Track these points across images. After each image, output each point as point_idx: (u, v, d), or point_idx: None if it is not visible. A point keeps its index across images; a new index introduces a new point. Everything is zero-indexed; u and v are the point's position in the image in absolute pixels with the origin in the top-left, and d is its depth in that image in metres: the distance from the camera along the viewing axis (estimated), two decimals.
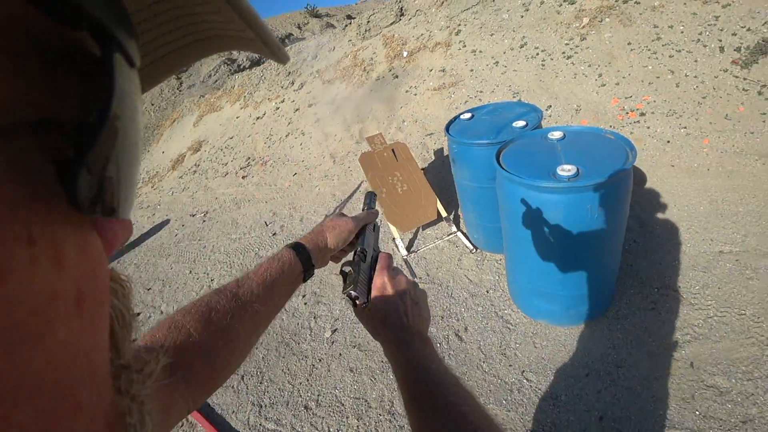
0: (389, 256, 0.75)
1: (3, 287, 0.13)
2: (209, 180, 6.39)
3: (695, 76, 3.90)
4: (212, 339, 0.56)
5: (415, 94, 5.45)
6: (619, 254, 2.21)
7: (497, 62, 5.10)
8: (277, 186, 5.34)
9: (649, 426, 1.86)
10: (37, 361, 0.14)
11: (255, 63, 12.17)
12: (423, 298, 0.73)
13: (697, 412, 1.87)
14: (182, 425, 2.45)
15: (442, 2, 6.86)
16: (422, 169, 4.29)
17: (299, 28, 13.26)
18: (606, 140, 2.05)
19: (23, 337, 0.14)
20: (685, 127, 3.62)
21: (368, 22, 7.81)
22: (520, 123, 2.49)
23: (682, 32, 4.23)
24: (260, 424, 2.31)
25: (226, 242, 4.38)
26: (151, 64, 0.26)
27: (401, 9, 7.75)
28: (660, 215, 3.03)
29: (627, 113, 3.91)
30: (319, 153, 5.55)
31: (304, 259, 0.70)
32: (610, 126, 3.87)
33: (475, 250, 3.07)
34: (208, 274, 3.90)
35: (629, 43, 4.42)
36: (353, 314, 2.79)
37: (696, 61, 3.99)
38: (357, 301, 0.69)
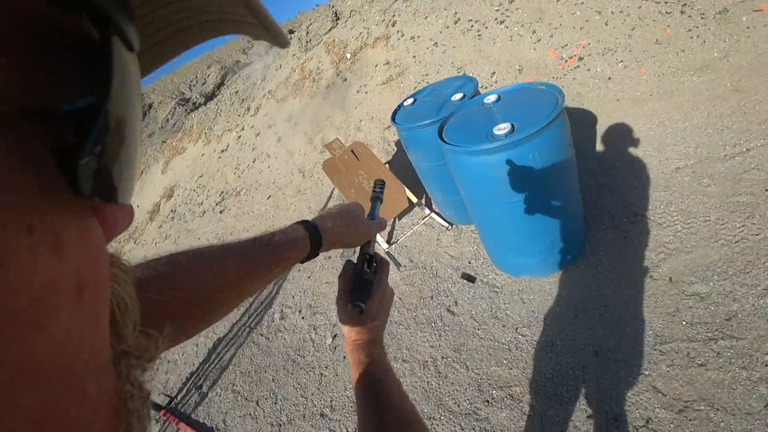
0: (389, 264, 0.80)
1: (3, 275, 0.13)
2: (188, 222, 6.39)
3: (621, 11, 4.01)
4: (200, 269, 0.56)
5: (366, 93, 5.51)
6: (578, 193, 2.29)
7: (436, 43, 5.18)
8: (254, 213, 5.37)
9: (641, 347, 1.94)
10: (40, 349, 0.14)
11: (209, 98, 12.16)
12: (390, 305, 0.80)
13: (684, 322, 1.96)
14: None
15: None
16: (386, 162, 4.36)
17: (245, 53, 13.26)
18: (537, 92, 2.13)
19: (26, 324, 0.14)
20: (622, 61, 3.73)
21: (308, 33, 7.86)
22: (458, 96, 2.56)
23: None
24: None
25: None
26: (150, 48, 0.25)
27: (336, 13, 7.81)
28: (616, 150, 3.12)
29: (566, 61, 4.01)
30: (288, 171, 5.59)
31: (313, 237, 0.70)
32: (553, 77, 3.97)
33: (450, 227, 3.14)
34: None
35: None
36: None
37: None
38: (361, 311, 0.73)
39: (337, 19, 7.77)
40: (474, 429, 1.97)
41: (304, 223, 0.71)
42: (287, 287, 3.59)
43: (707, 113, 2.98)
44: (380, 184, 0.87)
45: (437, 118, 2.40)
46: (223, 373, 3.08)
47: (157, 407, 2.99)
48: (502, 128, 1.85)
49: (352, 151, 3.64)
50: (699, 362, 1.78)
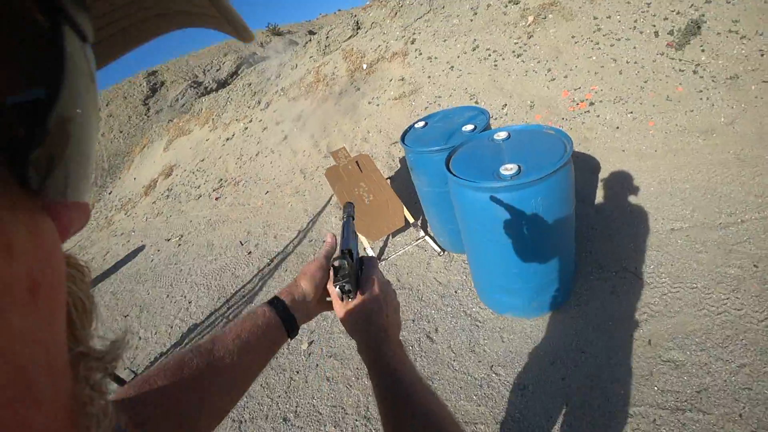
0: (377, 259, 0.77)
1: None
2: (182, 204, 6.36)
3: (635, 62, 4.08)
4: (183, 395, 0.54)
5: (378, 105, 5.54)
6: (572, 242, 2.31)
7: (452, 67, 5.23)
8: (250, 205, 5.35)
9: (610, 406, 1.94)
10: None
11: (221, 85, 12.17)
12: (398, 307, 0.76)
13: (656, 388, 1.97)
14: None
15: (396, 13, 7.01)
16: (389, 178, 4.37)
17: (262, 46, 13.30)
18: (546, 136, 2.15)
19: None
20: (632, 112, 3.78)
21: (327, 37, 7.91)
22: (469, 127, 2.59)
23: (619, 21, 4.43)
24: None
25: (202, 264, 4.38)
26: (107, 38, 0.24)
27: (357, 23, 7.87)
28: (614, 200, 3.16)
29: (577, 104, 4.06)
30: (289, 170, 5.59)
31: (280, 311, 0.67)
32: (563, 118, 4.02)
33: (442, 253, 3.15)
34: (185, 296, 3.89)
35: (573, 37, 4.60)
36: (329, 325, 2.84)
37: (635, 47, 4.18)
38: (349, 295, 0.69)
39: (358, 28, 7.83)
40: None
41: (271, 302, 0.69)
42: (271, 285, 3.58)
43: (708, 178, 3.02)
44: (349, 208, 0.85)
45: (446, 146, 2.42)
46: None
47: (120, 381, 2.94)
48: (509, 168, 1.87)
49: (356, 162, 3.65)
50: (663, 431, 1.78)
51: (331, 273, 0.70)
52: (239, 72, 12.42)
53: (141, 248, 5.49)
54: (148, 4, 0.24)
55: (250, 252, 4.25)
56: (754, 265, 2.32)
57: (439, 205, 2.81)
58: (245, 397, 2.58)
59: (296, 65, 8.36)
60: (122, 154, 11.24)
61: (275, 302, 0.68)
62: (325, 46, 7.79)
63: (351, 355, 2.59)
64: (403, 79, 5.59)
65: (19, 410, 0.15)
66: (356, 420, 2.22)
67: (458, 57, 5.29)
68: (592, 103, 4.01)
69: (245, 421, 2.44)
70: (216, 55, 14.71)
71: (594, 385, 2.04)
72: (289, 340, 0.70)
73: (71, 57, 0.16)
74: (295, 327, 0.69)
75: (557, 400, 2.01)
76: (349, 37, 7.64)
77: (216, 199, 6.00)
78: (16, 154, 0.15)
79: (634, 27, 4.30)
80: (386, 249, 3.48)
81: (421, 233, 3.36)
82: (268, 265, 3.92)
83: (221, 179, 6.45)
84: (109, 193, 9.20)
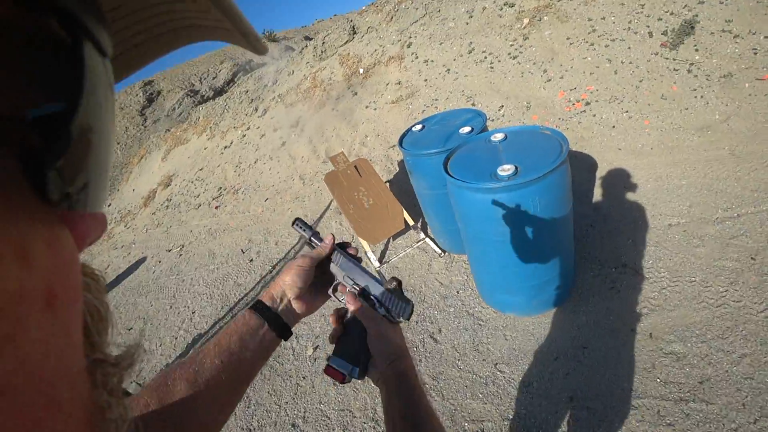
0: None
1: None
2: (182, 213, 6.37)
3: (630, 62, 4.13)
4: (170, 410, 0.55)
5: (375, 109, 5.58)
6: (571, 240, 2.34)
7: (449, 70, 5.28)
8: (250, 213, 5.37)
9: (615, 400, 1.97)
10: (8, 361, 0.14)
11: (218, 92, 12.22)
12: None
13: (658, 380, 1.99)
14: None
15: (392, 17, 7.07)
16: (388, 181, 4.40)
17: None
18: (543, 136, 2.19)
19: None
20: (627, 111, 3.83)
21: (323, 43, 7.97)
22: (466, 129, 2.62)
23: (613, 22, 4.49)
24: None
25: (204, 273, 4.39)
26: (124, 52, 0.25)
27: (353, 27, 7.93)
28: (612, 198, 3.19)
29: (573, 104, 4.11)
30: (288, 176, 5.62)
31: (262, 312, 0.69)
32: (560, 119, 4.07)
33: (443, 254, 3.18)
34: (188, 307, 3.90)
35: (568, 38, 4.66)
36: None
37: (629, 48, 4.24)
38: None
39: (354, 33, 7.89)
40: None
41: (253, 305, 0.71)
42: None
43: (704, 174, 3.07)
44: (300, 224, 0.82)
45: (444, 148, 2.46)
46: None
47: (126, 394, 2.95)
48: (506, 169, 1.90)
49: (355, 166, 3.68)
50: (668, 421, 1.80)
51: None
52: (236, 79, 12.47)
53: (142, 260, 5.49)
54: (164, 19, 0.24)
55: (252, 259, 4.27)
56: (752, 258, 2.35)
57: (438, 206, 2.84)
58: (253, 405, 2.59)
59: (293, 71, 8.41)
60: (120, 165, 11.25)
61: (256, 305, 0.69)
62: (322, 52, 7.85)
63: None
64: (399, 83, 5.64)
65: (39, 416, 0.15)
66: (364, 423, 2.24)
67: (454, 60, 5.34)
68: (588, 103, 4.06)
69: (254, 429, 2.45)
70: (212, 62, 14.77)
71: (597, 379, 2.06)
72: (283, 341, 0.71)
73: (91, 71, 0.17)
74: (284, 327, 0.70)
75: (562, 396, 2.04)
76: (346, 42, 7.69)
77: (216, 207, 6.01)
78: (35, 166, 0.15)
79: (629, 28, 4.36)
80: (387, 252, 3.50)
81: (422, 235, 3.39)
82: (270, 272, 3.94)
83: (220, 188, 6.47)
84: (108, 206, 9.21)
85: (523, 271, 2.22)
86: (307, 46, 9.18)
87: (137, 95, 13.60)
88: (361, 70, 6.39)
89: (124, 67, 0.26)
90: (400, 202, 3.42)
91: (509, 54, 4.93)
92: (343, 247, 0.79)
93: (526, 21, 5.05)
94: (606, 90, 4.08)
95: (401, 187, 4.11)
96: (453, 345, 2.48)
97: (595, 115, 3.96)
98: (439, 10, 6.36)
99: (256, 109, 7.90)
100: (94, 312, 0.22)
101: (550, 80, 4.44)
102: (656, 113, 3.72)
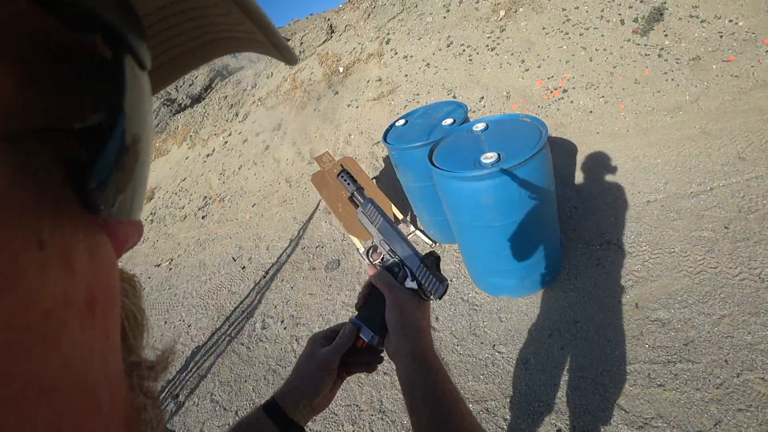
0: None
1: (15, 292, 0.13)
2: (168, 226, 6.30)
3: (604, 49, 4.27)
4: None
5: (357, 107, 5.64)
6: (556, 221, 2.44)
7: (428, 64, 5.36)
8: (238, 220, 5.36)
9: (608, 367, 2.07)
10: (53, 363, 0.14)
11: (196, 100, 12.06)
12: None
13: (647, 345, 2.11)
14: None
15: (369, 14, 7.12)
16: (374, 177, 4.46)
17: (235, 57, 13.25)
18: (523, 124, 2.28)
19: (38, 340, 0.14)
20: (603, 96, 3.97)
21: (302, 43, 7.97)
22: (449, 121, 2.70)
23: (587, 11, 4.63)
24: None
25: (197, 285, 4.36)
26: (161, 65, 0.26)
27: (331, 26, 7.96)
28: (593, 179, 3.31)
29: (551, 92, 4.23)
30: (274, 180, 5.63)
31: (271, 413, 0.64)
32: (539, 107, 4.18)
33: (434, 245, 3.26)
34: (183, 320, 3.88)
35: (543, 28, 4.79)
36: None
37: (603, 35, 4.38)
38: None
39: (332, 32, 7.92)
40: None
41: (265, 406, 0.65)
42: (269, 297, 3.61)
43: (677, 152, 3.21)
44: (345, 176, 0.78)
45: (428, 141, 2.52)
46: (202, 382, 3.04)
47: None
48: (489, 157, 1.98)
49: (341, 165, 3.72)
50: (658, 383, 1.92)
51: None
52: (213, 85, 12.33)
53: None
54: (199, 33, 0.25)
55: (244, 267, 4.26)
56: (725, 227, 2.48)
57: (425, 198, 2.91)
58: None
59: (272, 73, 8.39)
60: None
61: (269, 408, 0.64)
62: (300, 52, 7.85)
63: None
64: (380, 80, 5.70)
65: (80, 416, 0.16)
66: (372, 415, 2.30)
67: (433, 54, 5.43)
68: (565, 90, 4.18)
69: None
70: None
71: (590, 350, 2.16)
72: None
73: (132, 84, 0.18)
74: (293, 425, 0.65)
75: (559, 369, 2.13)
76: (324, 41, 7.71)
77: (202, 217, 5.96)
78: (80, 176, 0.16)
79: (602, 16, 4.51)
80: None
81: (411, 228, 3.46)
82: (264, 277, 3.95)
83: (206, 197, 6.42)
84: None
85: (512, 254, 2.31)
86: None
87: None
88: (341, 69, 6.43)
89: (161, 79, 0.27)
90: (387, 197, 3.48)
91: (487, 46, 5.03)
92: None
93: (502, 13, 5.16)
94: (582, 77, 4.21)
95: (388, 183, 4.17)
96: (451, 331, 2.56)
97: (572, 102, 4.08)
98: (416, 6, 6.44)
99: (237, 114, 7.86)
100: (130, 316, 0.23)
101: (528, 70, 4.55)
102: (630, 97, 3.86)
